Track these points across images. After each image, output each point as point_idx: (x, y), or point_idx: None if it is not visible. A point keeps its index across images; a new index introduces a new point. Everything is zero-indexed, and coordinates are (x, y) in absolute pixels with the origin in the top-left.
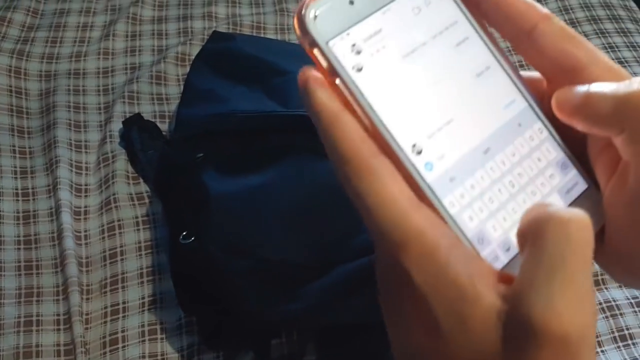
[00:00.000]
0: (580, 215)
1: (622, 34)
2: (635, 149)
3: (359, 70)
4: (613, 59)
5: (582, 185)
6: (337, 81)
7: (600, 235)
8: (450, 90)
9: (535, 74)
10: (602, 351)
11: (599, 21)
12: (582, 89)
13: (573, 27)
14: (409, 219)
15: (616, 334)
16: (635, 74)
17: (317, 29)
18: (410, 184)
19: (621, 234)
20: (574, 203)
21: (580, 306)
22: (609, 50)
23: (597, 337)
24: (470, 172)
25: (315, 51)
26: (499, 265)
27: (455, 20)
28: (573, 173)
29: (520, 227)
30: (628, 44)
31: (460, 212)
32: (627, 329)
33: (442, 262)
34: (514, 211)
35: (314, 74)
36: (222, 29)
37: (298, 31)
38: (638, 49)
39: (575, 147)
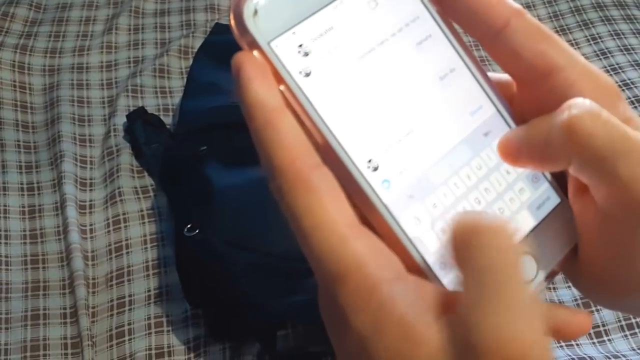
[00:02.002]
0: (495, 220)
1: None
2: (588, 177)
3: (307, 75)
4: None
5: (554, 200)
6: (281, 87)
7: (574, 254)
8: (411, 97)
9: (503, 76)
10: (609, 340)
11: (612, 21)
12: (521, 129)
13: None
14: (348, 248)
15: (623, 323)
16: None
17: (258, 27)
18: (362, 205)
19: (594, 253)
20: (545, 220)
21: (516, 318)
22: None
23: (604, 325)
24: (432, 189)
25: (256, 53)
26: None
27: (417, 16)
28: (544, 186)
29: (445, 242)
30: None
31: (421, 235)
32: (634, 317)
33: (383, 298)
34: None
35: (250, 58)
36: (225, 21)
37: (235, 29)
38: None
39: None
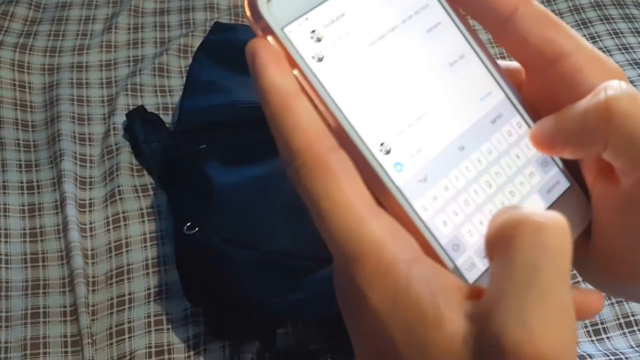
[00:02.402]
0: (557, 219)
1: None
2: (624, 160)
3: (320, 60)
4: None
5: (563, 184)
6: (295, 72)
7: (584, 238)
8: (422, 82)
9: (511, 63)
10: (607, 337)
11: (611, 20)
12: (551, 117)
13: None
14: (365, 228)
15: (622, 320)
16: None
17: (272, 13)
18: (375, 187)
19: (610, 238)
20: (555, 203)
21: (556, 324)
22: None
23: (603, 323)
24: (444, 172)
25: (270, 39)
26: (475, 273)
27: (426, 4)
28: (554, 171)
29: (489, 233)
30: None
31: (433, 217)
32: (633, 315)
33: (401, 279)
34: (491, 214)
35: (265, 44)
36: (224, 19)
37: (249, 15)
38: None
39: None
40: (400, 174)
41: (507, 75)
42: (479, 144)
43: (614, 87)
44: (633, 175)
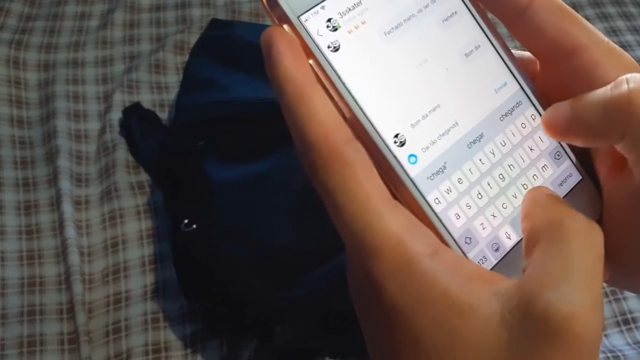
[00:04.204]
0: (598, 227)
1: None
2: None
3: (336, 49)
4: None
5: (575, 177)
6: (311, 62)
7: None
8: (437, 73)
9: (525, 54)
10: (605, 335)
11: (608, 17)
12: (567, 103)
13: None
14: (383, 223)
15: (619, 318)
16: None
17: (288, 1)
18: (389, 179)
19: (620, 231)
20: (567, 196)
21: (597, 312)
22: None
23: None
24: (458, 164)
25: (286, 27)
26: (487, 266)
27: None
28: (567, 164)
29: (533, 224)
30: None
31: (446, 210)
32: (630, 313)
33: (426, 273)
34: (503, 207)
35: (281, 33)
36: (221, 16)
37: (265, 3)
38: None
39: None
40: (414, 166)
41: (521, 67)
42: (492, 136)
43: (637, 80)
44: None
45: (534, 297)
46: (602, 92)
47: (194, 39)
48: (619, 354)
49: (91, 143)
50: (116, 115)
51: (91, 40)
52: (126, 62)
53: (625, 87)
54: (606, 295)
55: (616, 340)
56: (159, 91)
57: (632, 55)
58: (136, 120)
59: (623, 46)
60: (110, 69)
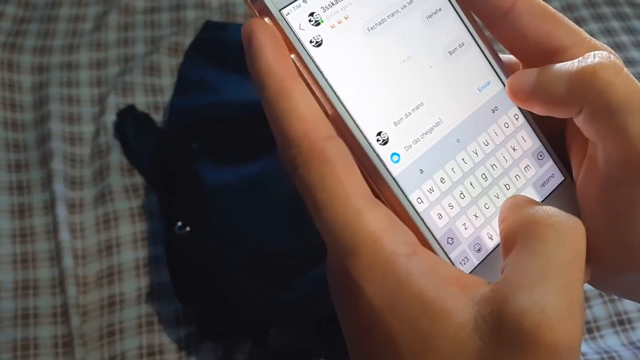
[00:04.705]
0: (577, 221)
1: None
2: (597, 128)
3: (318, 44)
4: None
5: (557, 178)
6: (292, 56)
7: None
8: (421, 70)
9: (509, 56)
10: (600, 336)
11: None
12: (534, 71)
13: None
14: (362, 221)
15: (614, 319)
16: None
17: None
18: (371, 178)
19: (594, 226)
20: (549, 197)
21: (573, 316)
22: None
23: (595, 321)
24: (440, 163)
25: (267, 20)
26: (468, 267)
27: None
28: (549, 164)
29: (508, 226)
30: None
31: (429, 210)
32: (626, 313)
33: (401, 274)
34: (486, 207)
35: (262, 25)
36: (215, 18)
37: None
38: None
39: (552, 133)
40: (396, 165)
41: (505, 67)
42: (475, 135)
43: (604, 56)
44: (605, 146)
45: (506, 304)
46: (569, 64)
47: (188, 41)
48: (615, 354)
49: (85, 146)
50: (110, 117)
51: (85, 42)
52: (120, 65)
53: (591, 60)
54: (601, 295)
55: (612, 340)
56: (154, 93)
57: (626, 56)
58: (130, 123)
59: (618, 47)
60: (105, 72)
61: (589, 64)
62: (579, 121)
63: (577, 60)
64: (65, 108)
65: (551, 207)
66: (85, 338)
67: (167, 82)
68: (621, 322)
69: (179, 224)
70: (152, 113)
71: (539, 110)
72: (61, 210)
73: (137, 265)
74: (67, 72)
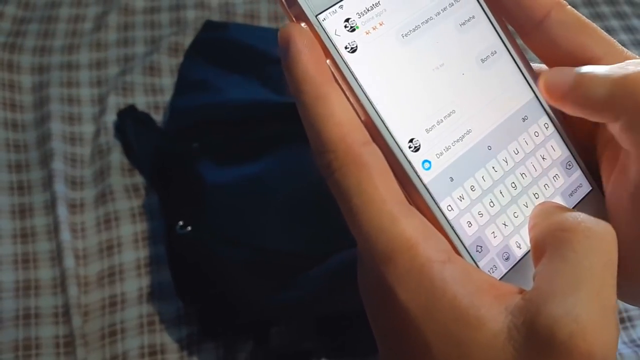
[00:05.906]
0: (608, 227)
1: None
2: (635, 137)
3: (353, 50)
4: None
5: (585, 188)
6: (327, 62)
7: None
8: (453, 78)
9: (541, 65)
10: None
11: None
12: (573, 70)
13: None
14: (398, 227)
15: None
16: None
17: (306, 0)
18: (403, 184)
19: (624, 238)
20: (576, 207)
21: (607, 324)
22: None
23: None
24: (471, 171)
25: (303, 25)
26: (497, 276)
27: None
28: (577, 174)
29: (538, 233)
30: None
31: (459, 217)
32: (626, 311)
33: (436, 281)
34: (515, 216)
35: (300, 31)
36: (215, 18)
37: (283, 1)
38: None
39: (581, 142)
40: (428, 172)
41: (536, 75)
42: (506, 143)
43: None
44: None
45: (539, 314)
46: (610, 67)
47: (188, 41)
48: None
49: (86, 146)
50: (111, 117)
51: (85, 42)
52: (120, 65)
53: (632, 68)
54: None
55: None
56: (154, 93)
57: None
58: (131, 123)
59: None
60: (105, 72)
61: (630, 71)
62: (614, 128)
63: (616, 66)
64: (65, 108)
65: (580, 213)
66: (86, 338)
67: (167, 82)
68: (621, 320)
69: (180, 223)
70: (152, 113)
71: (571, 111)
72: (62, 211)
73: (138, 265)
74: (67, 72)
